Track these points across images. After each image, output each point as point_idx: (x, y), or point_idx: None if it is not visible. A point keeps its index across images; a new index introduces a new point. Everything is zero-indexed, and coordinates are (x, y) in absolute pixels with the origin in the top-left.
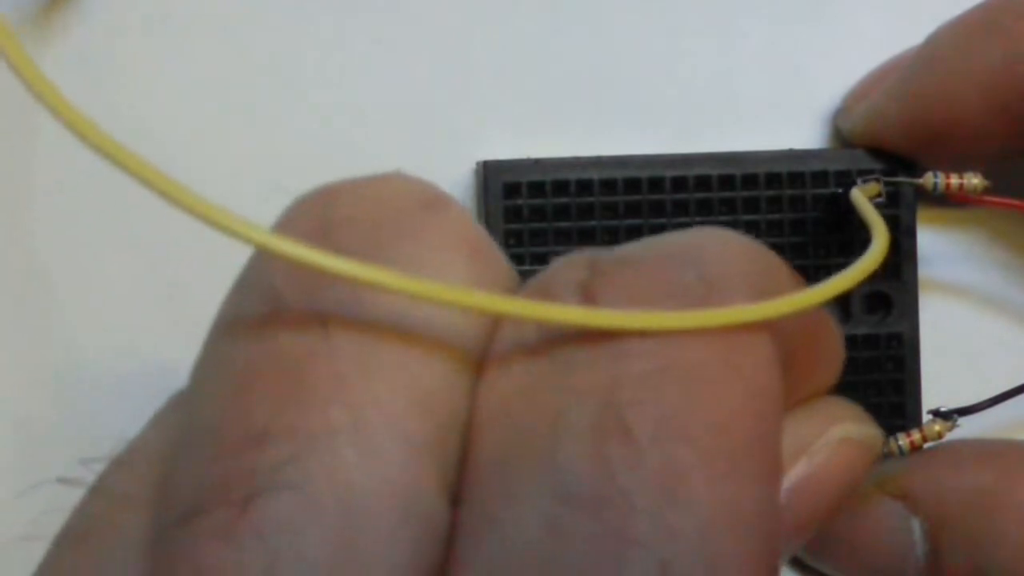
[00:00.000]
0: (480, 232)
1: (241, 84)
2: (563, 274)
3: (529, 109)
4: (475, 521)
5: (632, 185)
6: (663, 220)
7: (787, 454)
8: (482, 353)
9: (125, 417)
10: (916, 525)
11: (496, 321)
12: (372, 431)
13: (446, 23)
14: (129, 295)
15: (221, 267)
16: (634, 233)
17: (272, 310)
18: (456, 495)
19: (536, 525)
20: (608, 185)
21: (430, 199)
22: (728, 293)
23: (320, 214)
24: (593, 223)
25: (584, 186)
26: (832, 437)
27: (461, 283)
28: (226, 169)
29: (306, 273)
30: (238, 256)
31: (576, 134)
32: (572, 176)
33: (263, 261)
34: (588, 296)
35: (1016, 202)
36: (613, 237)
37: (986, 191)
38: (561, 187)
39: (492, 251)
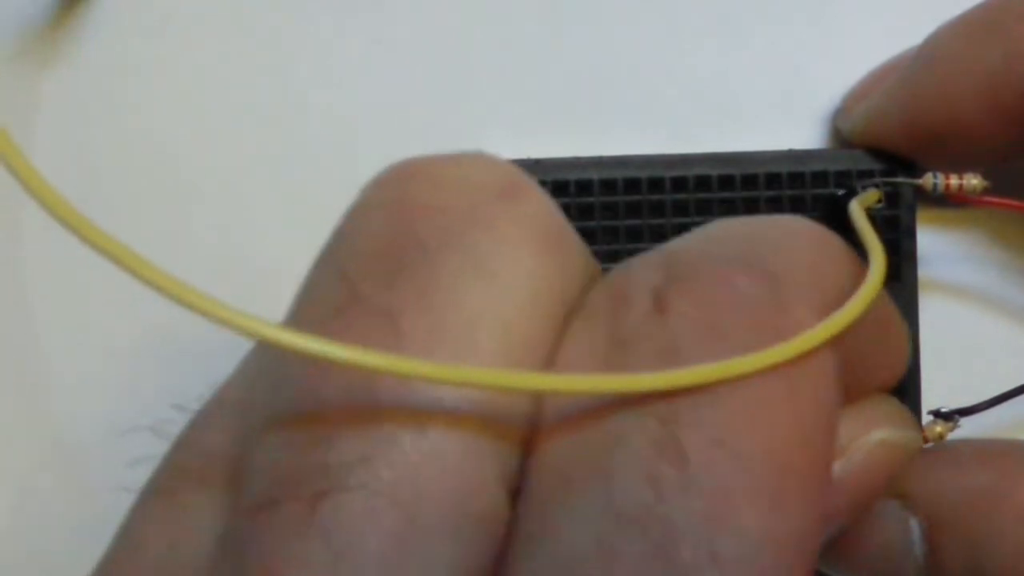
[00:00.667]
0: (557, 223)
1: (242, 85)
2: (638, 278)
3: (529, 109)
4: (531, 527)
5: (632, 185)
6: (663, 220)
7: None
8: (549, 359)
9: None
10: (915, 525)
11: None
12: (435, 433)
13: (446, 23)
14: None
15: None
16: (634, 233)
17: (346, 301)
18: (516, 493)
19: (587, 539)
20: (608, 185)
21: (507, 187)
22: (796, 306)
23: (396, 200)
24: (593, 223)
25: (584, 186)
26: (871, 439)
27: (528, 279)
28: (227, 169)
29: (379, 260)
30: None
31: (576, 134)
32: (572, 176)
33: (335, 250)
34: (660, 306)
35: (1015, 203)
36: (613, 237)
37: (985, 191)
38: (561, 187)
39: (568, 243)
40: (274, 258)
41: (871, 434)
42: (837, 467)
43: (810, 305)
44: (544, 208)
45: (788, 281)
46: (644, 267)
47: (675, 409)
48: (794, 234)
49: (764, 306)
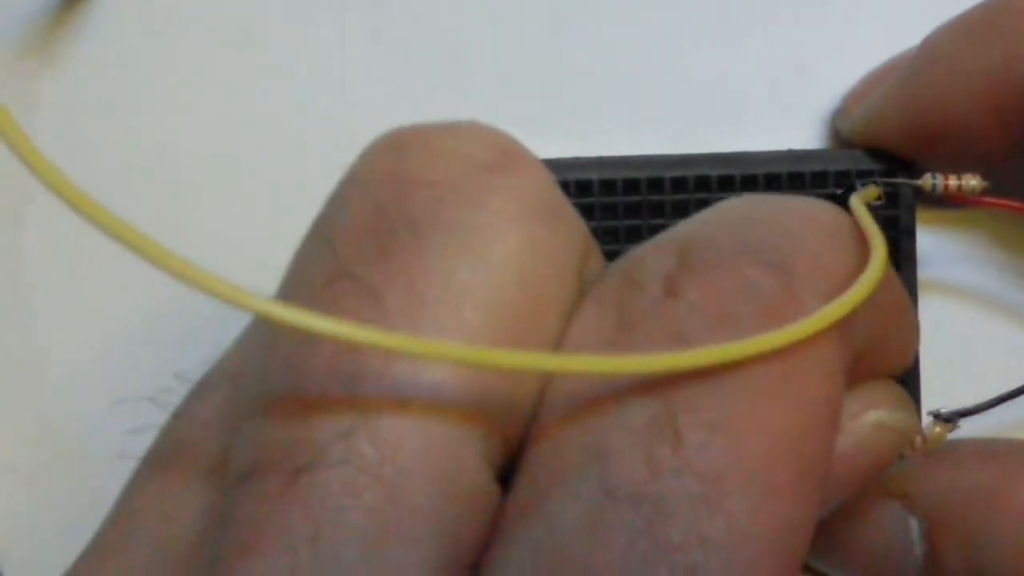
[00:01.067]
0: (552, 196)
1: (242, 85)
2: (651, 262)
3: (529, 109)
4: (525, 501)
5: (632, 186)
6: (663, 221)
7: None
8: (554, 338)
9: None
10: (914, 525)
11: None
12: (419, 411)
13: (447, 23)
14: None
15: None
16: (634, 234)
17: (333, 275)
18: (505, 473)
19: (580, 513)
20: (608, 185)
21: (500, 159)
22: (806, 298)
23: (388, 172)
24: (593, 224)
25: (584, 186)
26: (866, 421)
27: (518, 255)
28: (227, 168)
29: (368, 235)
30: None
31: (576, 134)
32: (572, 176)
33: (327, 222)
34: (671, 292)
35: (1015, 203)
36: (613, 238)
37: (984, 192)
38: (561, 187)
39: (564, 217)
40: (274, 258)
41: (867, 415)
42: None
43: (820, 296)
44: (538, 181)
45: (799, 272)
46: (656, 252)
47: (675, 392)
48: (808, 220)
49: (774, 297)
